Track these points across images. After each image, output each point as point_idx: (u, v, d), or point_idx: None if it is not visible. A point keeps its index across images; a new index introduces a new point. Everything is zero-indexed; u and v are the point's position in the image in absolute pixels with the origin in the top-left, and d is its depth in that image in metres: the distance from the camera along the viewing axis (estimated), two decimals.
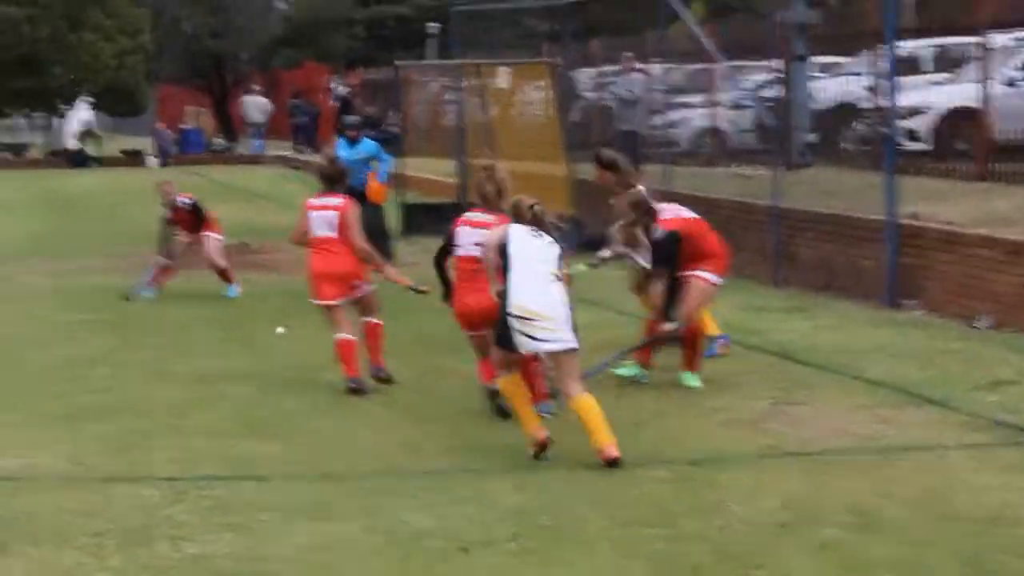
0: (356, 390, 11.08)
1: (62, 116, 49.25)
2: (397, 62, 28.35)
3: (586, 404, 9.00)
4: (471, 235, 10.08)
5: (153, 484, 8.60)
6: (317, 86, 48.08)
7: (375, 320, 11.56)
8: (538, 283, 9.11)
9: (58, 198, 33.23)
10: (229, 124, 52.59)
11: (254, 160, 45.00)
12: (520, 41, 33.70)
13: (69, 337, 14.00)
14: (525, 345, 9.10)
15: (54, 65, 46.96)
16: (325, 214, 11.30)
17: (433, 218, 19.25)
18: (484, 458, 9.23)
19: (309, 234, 11.36)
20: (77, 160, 45.87)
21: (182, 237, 16.97)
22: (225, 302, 16.42)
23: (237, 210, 18.61)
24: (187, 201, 17.06)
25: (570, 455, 8.98)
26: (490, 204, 10.17)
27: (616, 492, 8.37)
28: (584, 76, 27.05)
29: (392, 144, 21.98)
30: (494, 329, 9.35)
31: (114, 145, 48.48)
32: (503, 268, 9.25)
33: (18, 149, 49.79)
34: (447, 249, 10.32)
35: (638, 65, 24.33)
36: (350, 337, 11.26)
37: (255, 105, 47.19)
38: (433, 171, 27.35)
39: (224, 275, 16.98)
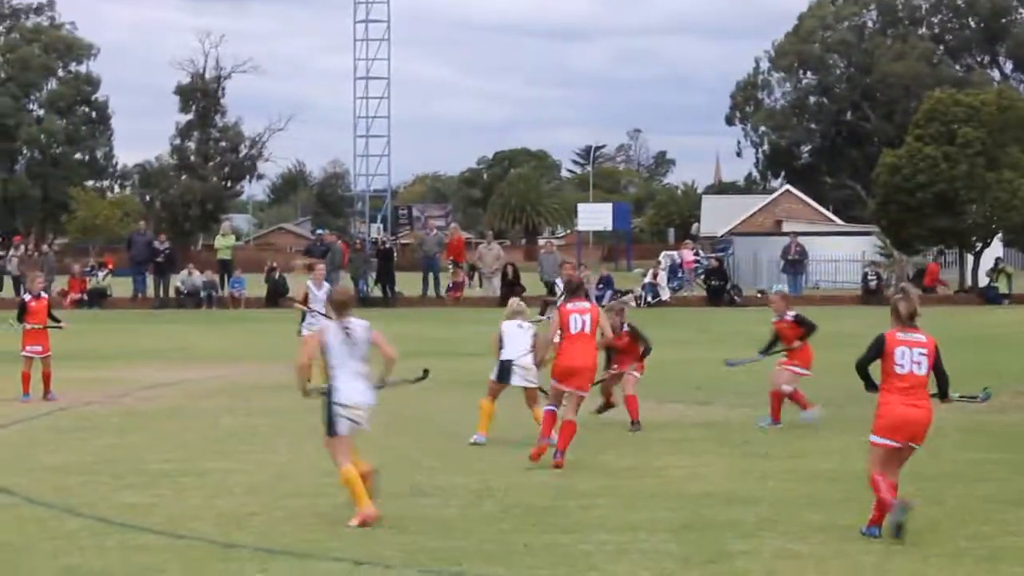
0: None
1: (975, 253, 49.38)
2: None
3: None
4: (908, 354, 11.09)
5: None
6: None
7: None
8: None
9: (972, 335, 33.24)
10: None
11: None
12: None
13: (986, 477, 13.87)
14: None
15: (969, 203, 47.30)
16: None
17: None
18: None
19: None
20: (989, 296, 45.79)
21: None
22: None
23: None
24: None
25: None
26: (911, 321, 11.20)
27: None
28: None
29: None
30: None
31: None
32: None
33: None
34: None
35: None
36: None
37: None
38: None
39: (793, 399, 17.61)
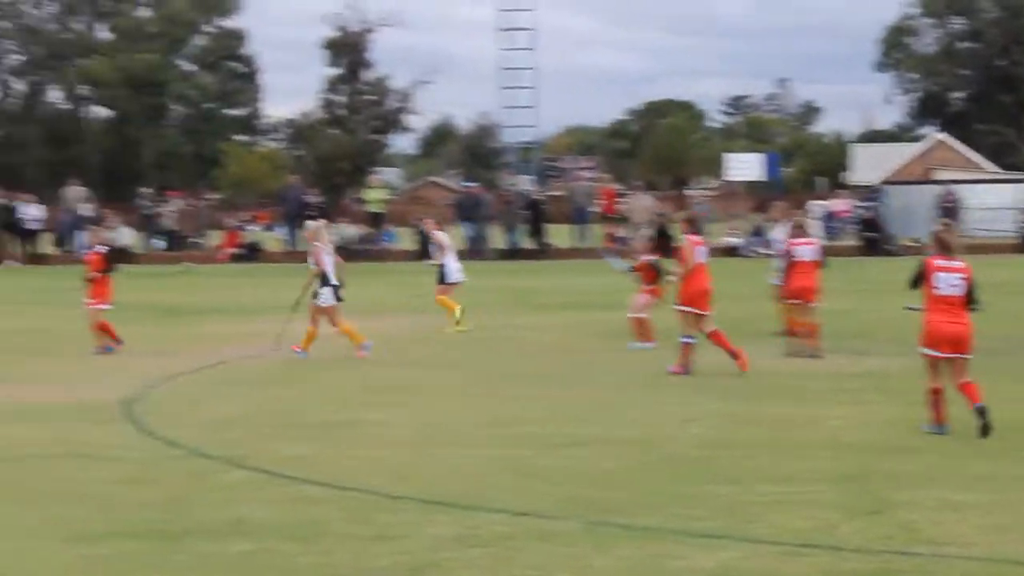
0: None
1: None
2: None
3: None
4: (948, 279, 13.07)
5: None
6: None
7: None
8: None
9: None
10: None
11: None
12: None
13: None
14: None
15: None
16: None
17: None
18: None
19: None
20: None
21: None
22: None
23: None
24: None
25: None
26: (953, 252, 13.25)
27: None
28: None
29: None
30: None
31: None
32: None
33: None
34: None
35: None
36: None
37: None
38: None
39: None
